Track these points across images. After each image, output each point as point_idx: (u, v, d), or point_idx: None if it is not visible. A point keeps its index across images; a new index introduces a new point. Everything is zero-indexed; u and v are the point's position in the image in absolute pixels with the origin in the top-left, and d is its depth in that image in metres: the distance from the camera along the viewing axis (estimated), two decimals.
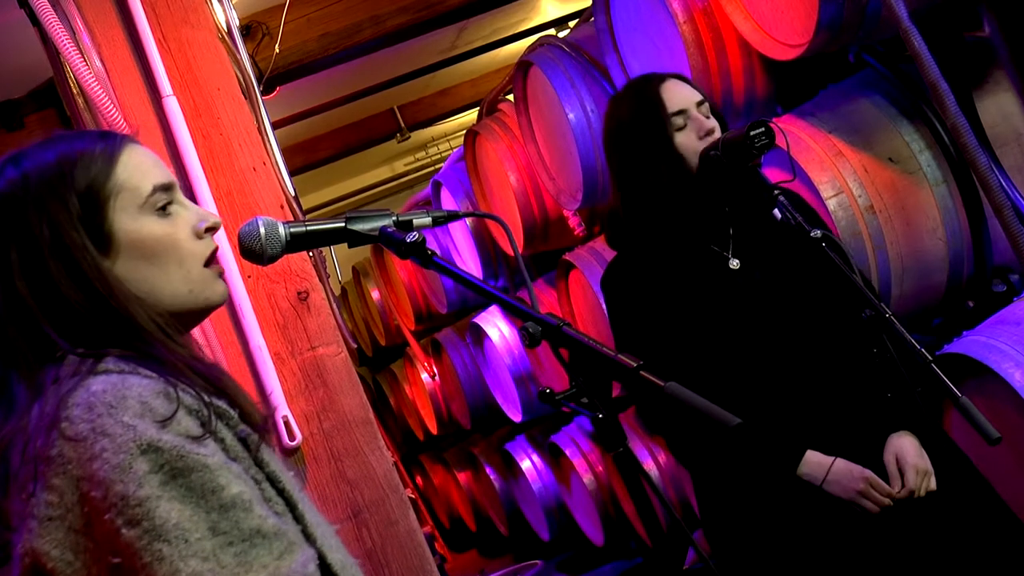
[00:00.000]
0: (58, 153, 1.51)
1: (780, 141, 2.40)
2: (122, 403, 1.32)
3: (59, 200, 1.47)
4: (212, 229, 1.59)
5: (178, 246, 1.53)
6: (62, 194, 1.47)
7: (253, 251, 1.67)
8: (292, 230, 1.68)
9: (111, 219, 1.49)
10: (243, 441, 1.46)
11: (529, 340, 1.53)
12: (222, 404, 1.46)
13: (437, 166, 9.53)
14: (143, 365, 1.41)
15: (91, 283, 1.45)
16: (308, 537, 1.45)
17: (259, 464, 1.46)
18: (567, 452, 5.98)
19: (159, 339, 1.47)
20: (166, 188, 1.55)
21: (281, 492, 1.47)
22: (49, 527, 1.31)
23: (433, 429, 8.39)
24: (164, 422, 1.33)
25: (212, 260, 1.58)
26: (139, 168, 1.54)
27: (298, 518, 1.47)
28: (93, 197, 1.49)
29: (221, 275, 1.59)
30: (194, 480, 1.32)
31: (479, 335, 6.45)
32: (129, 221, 1.50)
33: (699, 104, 2.54)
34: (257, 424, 1.50)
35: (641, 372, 1.50)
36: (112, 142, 1.55)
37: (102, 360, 1.40)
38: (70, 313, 1.44)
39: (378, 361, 9.68)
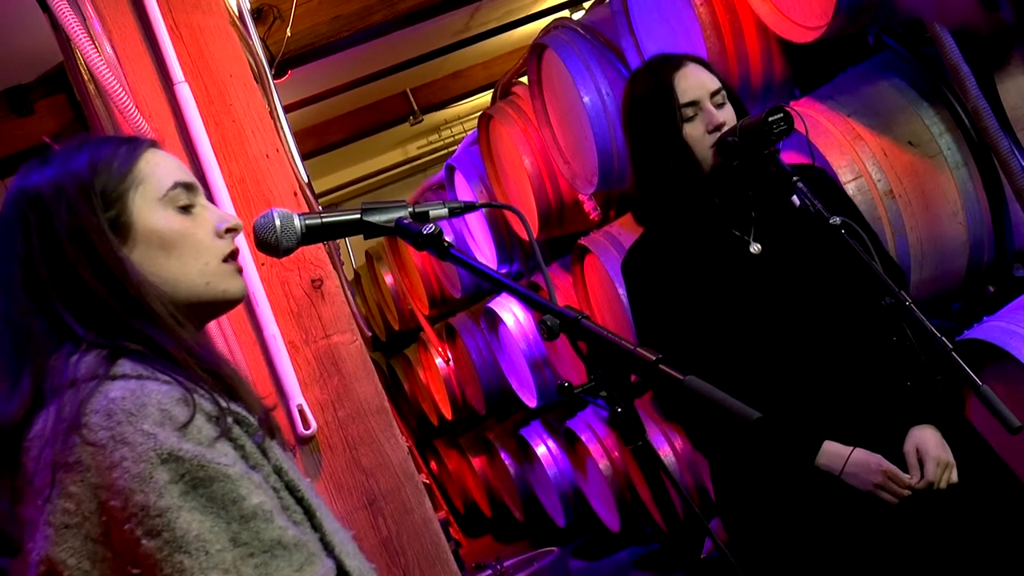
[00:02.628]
0: (84, 153, 1.53)
1: (799, 126, 2.37)
2: (142, 410, 1.31)
3: (80, 189, 1.48)
4: (233, 231, 1.60)
5: (196, 240, 1.54)
6: (84, 184, 1.49)
7: (268, 243, 1.67)
8: (308, 222, 1.67)
9: (130, 208, 1.51)
10: (261, 448, 1.45)
11: (547, 333, 1.51)
12: (240, 409, 1.45)
13: (451, 149, 9.51)
14: (159, 368, 1.40)
15: (108, 267, 1.45)
16: (326, 546, 1.45)
17: (278, 472, 1.45)
18: (583, 437, 5.97)
19: (171, 327, 1.46)
20: (187, 187, 1.57)
21: (300, 500, 1.46)
22: (66, 535, 1.31)
23: (447, 414, 8.39)
24: (183, 429, 1.32)
25: (231, 258, 1.58)
26: (160, 165, 1.57)
27: (316, 526, 1.46)
28: (113, 186, 1.51)
29: (240, 272, 1.60)
30: (215, 490, 1.31)
31: (494, 320, 6.43)
32: (148, 211, 1.52)
33: (714, 93, 2.49)
34: (267, 425, 1.50)
35: (660, 366, 1.47)
36: (135, 143, 1.58)
37: (118, 361, 1.39)
38: (86, 297, 1.44)
39: (392, 346, 9.68)
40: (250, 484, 1.34)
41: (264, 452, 1.45)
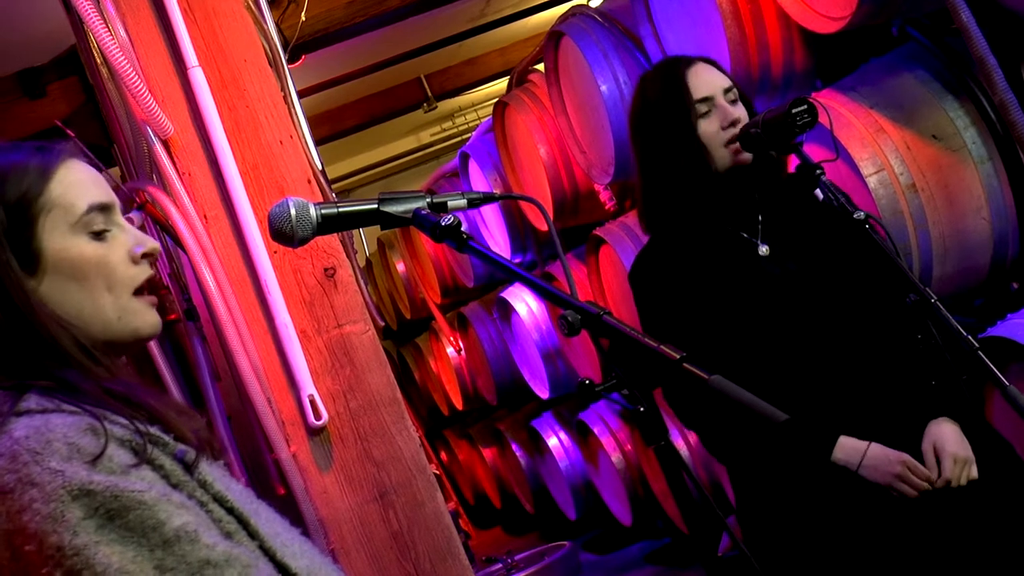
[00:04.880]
0: None
1: (823, 119, 2.34)
2: (47, 447, 1.26)
3: None
4: (149, 255, 1.52)
5: (110, 269, 1.47)
6: None
7: (284, 233, 1.64)
8: (324, 212, 1.64)
9: (40, 237, 1.43)
10: (183, 464, 1.39)
11: (568, 329, 1.47)
12: (155, 430, 1.39)
13: (464, 136, 9.49)
14: (67, 399, 1.34)
15: (12, 301, 1.39)
16: (266, 551, 1.40)
17: (203, 485, 1.39)
18: (595, 430, 5.94)
19: (83, 364, 1.40)
20: (103, 208, 1.49)
21: (231, 511, 1.40)
22: None
23: (458, 404, 8.37)
24: (94, 461, 1.27)
25: (145, 289, 1.51)
26: (75, 185, 1.47)
27: (252, 534, 1.40)
28: (23, 212, 1.42)
29: (154, 306, 1.52)
30: (132, 519, 1.26)
31: (506, 310, 6.41)
32: (59, 240, 1.44)
33: (726, 91, 2.50)
34: (191, 441, 1.43)
35: (684, 364, 1.44)
36: (49, 156, 1.48)
37: (23, 397, 1.33)
38: None
39: (403, 335, 9.67)
40: (169, 506, 1.29)
41: (187, 468, 1.39)
